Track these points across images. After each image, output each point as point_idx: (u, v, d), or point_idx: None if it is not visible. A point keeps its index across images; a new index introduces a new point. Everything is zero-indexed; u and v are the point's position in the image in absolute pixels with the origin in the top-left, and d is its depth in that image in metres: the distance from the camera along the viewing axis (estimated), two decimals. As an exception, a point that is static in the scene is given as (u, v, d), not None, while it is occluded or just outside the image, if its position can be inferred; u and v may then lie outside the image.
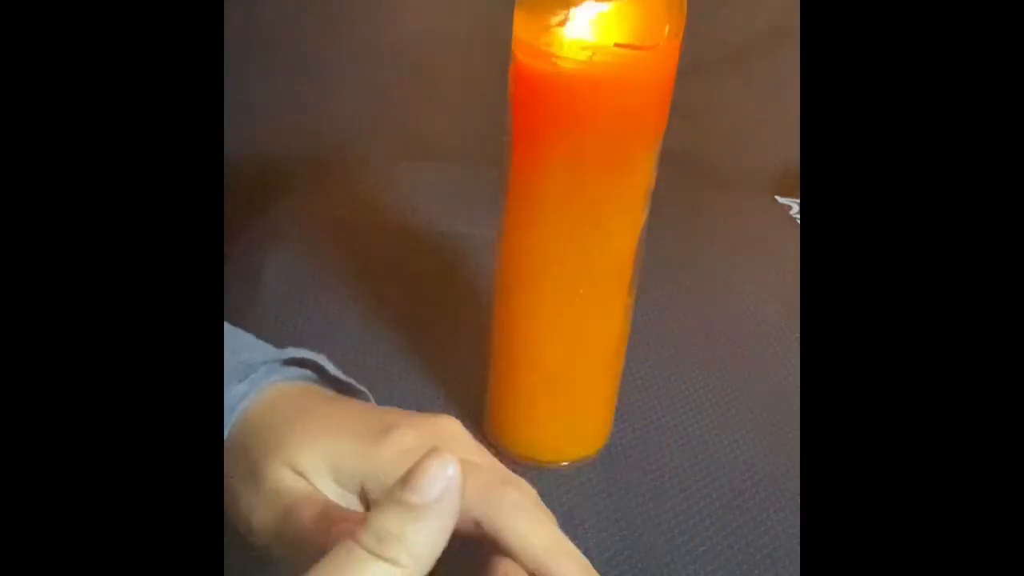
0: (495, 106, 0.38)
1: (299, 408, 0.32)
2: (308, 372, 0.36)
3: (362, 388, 0.37)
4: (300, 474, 0.30)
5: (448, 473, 0.23)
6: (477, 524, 0.27)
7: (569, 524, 0.41)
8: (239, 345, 0.35)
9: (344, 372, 0.36)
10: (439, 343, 0.51)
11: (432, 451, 0.23)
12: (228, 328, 0.36)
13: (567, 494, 0.43)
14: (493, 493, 0.27)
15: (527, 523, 0.27)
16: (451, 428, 0.32)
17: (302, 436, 0.30)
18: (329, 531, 0.28)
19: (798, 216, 0.69)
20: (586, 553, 0.39)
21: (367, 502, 0.30)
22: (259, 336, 0.37)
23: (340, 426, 0.31)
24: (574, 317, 0.40)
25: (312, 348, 0.36)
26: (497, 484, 0.28)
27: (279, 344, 0.36)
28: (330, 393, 0.35)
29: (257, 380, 0.33)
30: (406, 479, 0.23)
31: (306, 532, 0.28)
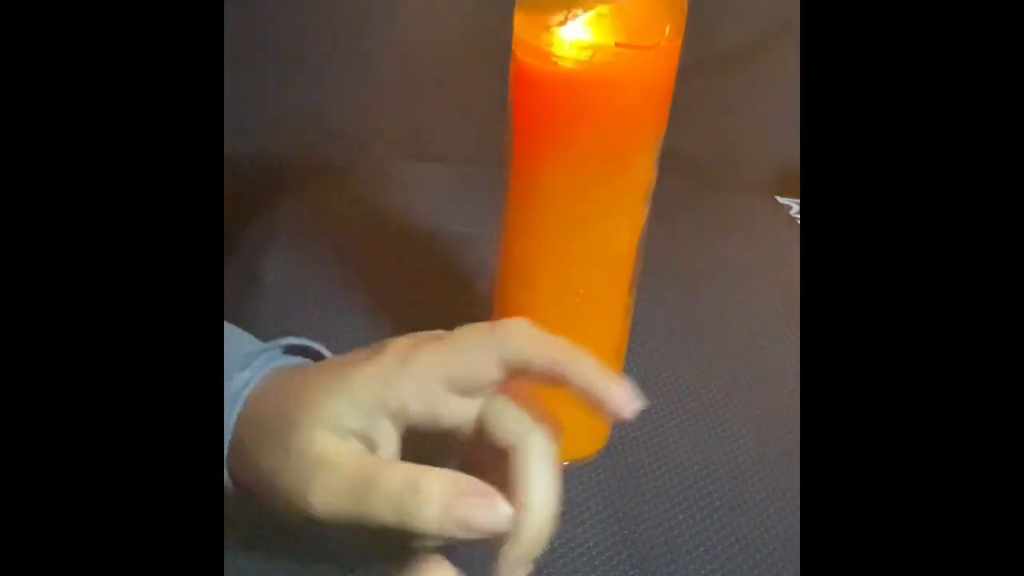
0: (495, 106, 0.38)
1: (305, 375, 0.33)
2: (307, 360, 0.36)
3: None
4: (335, 428, 0.30)
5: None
6: (502, 363, 0.30)
7: (569, 524, 0.41)
8: (240, 342, 0.36)
9: None
10: (439, 343, 0.51)
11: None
12: (228, 327, 0.36)
13: (567, 494, 0.43)
14: (499, 330, 0.31)
15: (539, 343, 0.31)
16: (439, 332, 0.33)
17: (318, 393, 0.31)
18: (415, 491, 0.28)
19: (798, 216, 0.69)
20: (586, 553, 0.40)
21: (400, 421, 0.31)
22: (259, 336, 0.37)
23: (345, 366, 0.32)
24: (574, 317, 0.40)
25: (312, 347, 0.36)
26: (496, 324, 0.31)
27: (279, 344, 0.36)
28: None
29: (259, 367, 0.34)
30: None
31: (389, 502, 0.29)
